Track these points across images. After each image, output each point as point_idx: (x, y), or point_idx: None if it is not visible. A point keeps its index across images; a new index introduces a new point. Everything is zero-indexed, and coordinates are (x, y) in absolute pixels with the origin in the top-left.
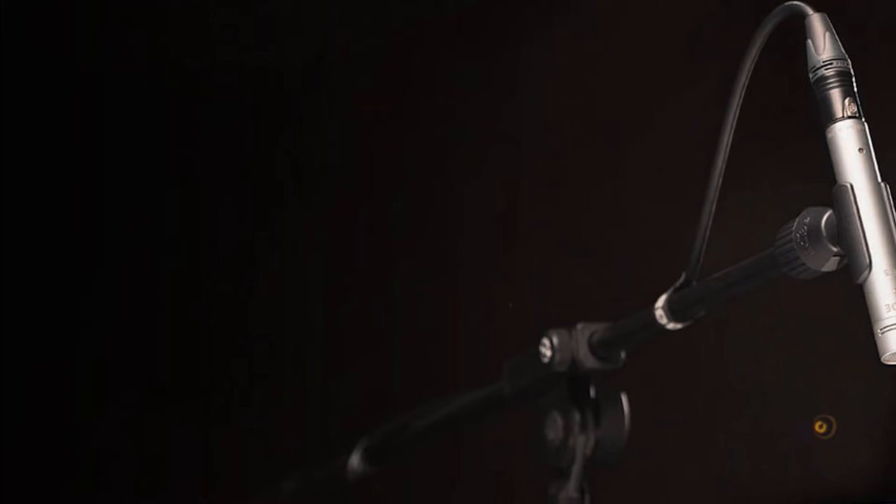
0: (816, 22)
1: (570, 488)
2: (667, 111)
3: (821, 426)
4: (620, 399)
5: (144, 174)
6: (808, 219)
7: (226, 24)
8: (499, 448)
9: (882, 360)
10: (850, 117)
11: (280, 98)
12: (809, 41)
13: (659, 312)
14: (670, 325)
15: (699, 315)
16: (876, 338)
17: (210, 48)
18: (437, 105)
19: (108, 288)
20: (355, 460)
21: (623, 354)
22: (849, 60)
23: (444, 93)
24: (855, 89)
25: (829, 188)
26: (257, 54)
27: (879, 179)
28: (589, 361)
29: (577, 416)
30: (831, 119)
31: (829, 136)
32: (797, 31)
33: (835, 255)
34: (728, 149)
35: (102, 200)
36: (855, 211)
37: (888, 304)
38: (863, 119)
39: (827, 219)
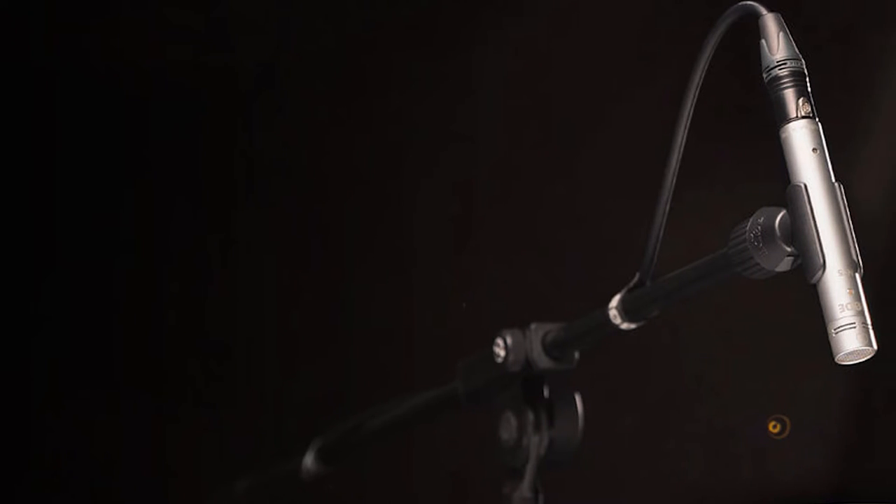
0: (770, 22)
1: (524, 488)
2: (620, 111)
3: (775, 426)
4: (574, 399)
5: (99, 174)
6: (762, 219)
7: (180, 25)
8: (453, 448)
9: (836, 360)
10: (804, 117)
11: (234, 99)
12: (763, 41)
13: (613, 312)
14: (624, 326)
15: (653, 315)
16: (830, 338)
17: (164, 49)
18: (391, 106)
19: (63, 288)
20: (309, 460)
21: (577, 354)
22: (803, 60)
23: (398, 93)
24: (809, 89)
25: (783, 188)
26: (211, 55)
27: (833, 179)
28: (543, 361)
29: (530, 416)
30: (785, 119)
31: (783, 136)
32: (751, 31)
33: (789, 255)
34: (682, 149)
35: (57, 201)
36: (809, 211)
37: (842, 304)
38: (817, 119)
39: (781, 219)
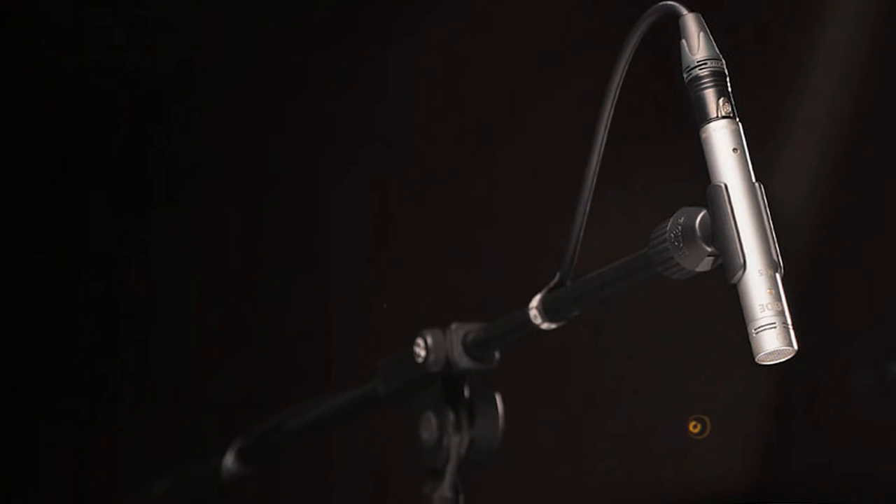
0: (690, 22)
1: (445, 488)
2: (540, 111)
3: (695, 426)
4: (494, 399)
5: (16, 174)
6: (683, 219)
7: (97, 25)
8: (373, 448)
9: (756, 360)
10: (724, 117)
11: (152, 99)
12: (684, 41)
13: (533, 312)
14: (544, 325)
15: (573, 315)
16: (750, 338)
17: (81, 49)
18: (309, 106)
19: None
20: (229, 460)
21: (497, 354)
22: (723, 60)
23: (316, 94)
24: (729, 89)
25: (704, 188)
26: (129, 55)
27: (753, 179)
28: (463, 361)
29: (451, 416)
30: (705, 119)
31: (704, 136)
32: (671, 31)
33: (709, 255)
34: (602, 149)
35: None
36: (729, 211)
37: (762, 304)
38: (737, 119)
39: (701, 219)
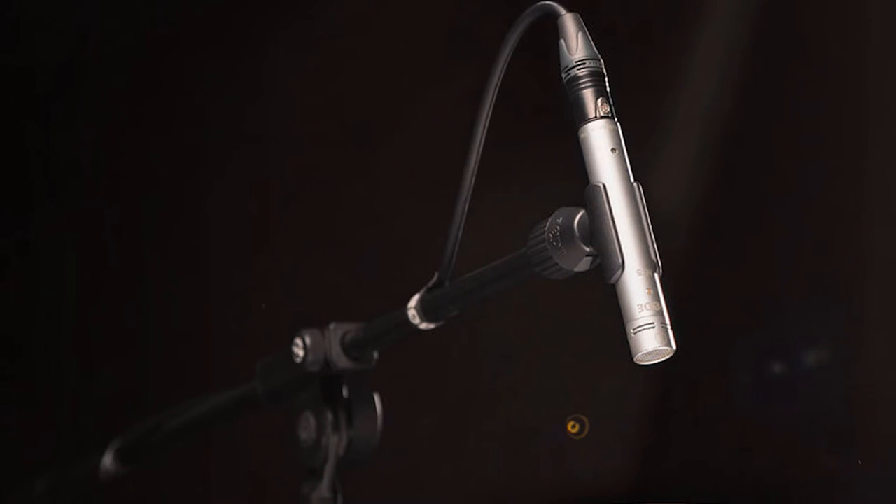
0: (569, 22)
1: (323, 488)
2: (418, 110)
3: (574, 426)
4: (373, 399)
5: None
6: (561, 219)
7: None
8: (252, 448)
9: (634, 359)
10: (602, 117)
11: (31, 99)
12: (562, 41)
13: (412, 312)
14: (423, 325)
15: (452, 315)
16: (629, 338)
17: None
18: (187, 106)
19: None
20: (108, 460)
21: (376, 354)
22: (601, 60)
23: (194, 94)
24: (608, 89)
25: (583, 188)
26: (7, 55)
27: (632, 179)
28: (342, 361)
29: (329, 417)
30: (584, 119)
31: (582, 136)
32: (550, 30)
33: (588, 255)
34: (481, 148)
35: None
36: (607, 211)
37: (640, 304)
38: (615, 119)
39: (580, 219)
